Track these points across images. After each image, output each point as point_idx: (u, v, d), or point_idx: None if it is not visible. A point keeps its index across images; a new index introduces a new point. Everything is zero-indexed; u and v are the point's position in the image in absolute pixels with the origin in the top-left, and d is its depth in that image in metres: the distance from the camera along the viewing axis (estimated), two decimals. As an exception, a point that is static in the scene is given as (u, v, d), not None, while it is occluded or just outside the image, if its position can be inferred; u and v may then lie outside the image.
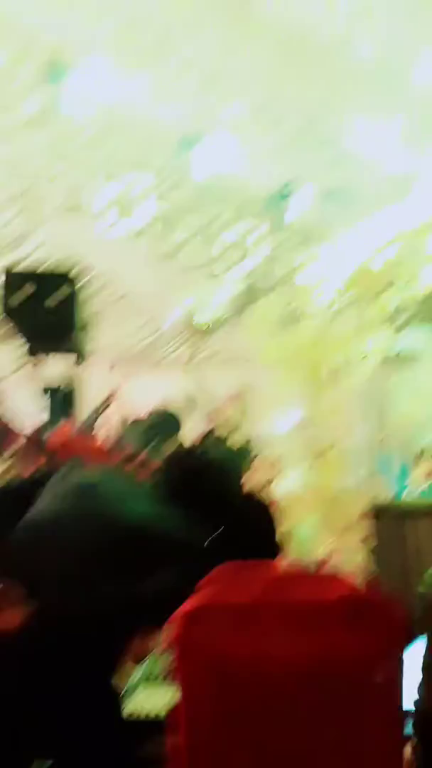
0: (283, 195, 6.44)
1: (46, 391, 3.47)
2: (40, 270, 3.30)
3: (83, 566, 2.25)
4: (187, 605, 2.04)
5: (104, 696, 2.28)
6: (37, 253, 6.50)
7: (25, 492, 2.53)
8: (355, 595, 1.86)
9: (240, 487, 2.76)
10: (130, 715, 2.66)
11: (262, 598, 1.96)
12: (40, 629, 2.17)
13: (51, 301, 3.25)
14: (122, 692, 2.43)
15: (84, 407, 5.78)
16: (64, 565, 2.26)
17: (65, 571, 2.24)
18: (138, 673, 3.08)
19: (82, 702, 2.20)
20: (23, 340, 3.37)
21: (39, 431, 3.51)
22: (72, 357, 3.47)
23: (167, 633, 2.07)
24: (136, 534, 2.32)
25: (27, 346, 3.42)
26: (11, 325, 3.30)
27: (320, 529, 5.10)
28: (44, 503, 2.46)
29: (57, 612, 2.16)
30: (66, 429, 4.50)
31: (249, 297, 7.07)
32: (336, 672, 1.84)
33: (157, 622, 2.30)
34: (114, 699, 2.35)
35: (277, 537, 2.62)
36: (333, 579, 1.94)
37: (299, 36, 5.38)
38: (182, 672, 1.99)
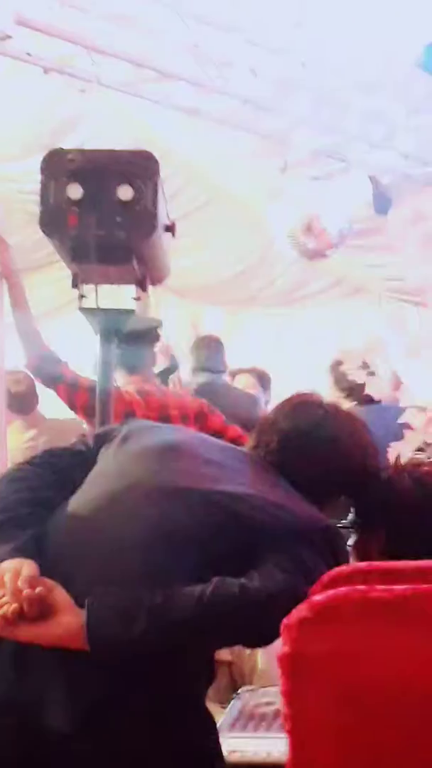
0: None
1: (108, 332, 3.44)
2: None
3: (152, 557, 2.24)
4: (300, 609, 2.02)
5: (188, 730, 2.28)
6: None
7: (73, 462, 2.53)
8: None
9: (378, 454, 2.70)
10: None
11: (411, 594, 1.92)
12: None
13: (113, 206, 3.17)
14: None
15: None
16: (122, 556, 2.25)
17: (123, 566, 2.23)
18: (231, 709, 3.10)
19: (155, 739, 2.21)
20: (69, 260, 3.32)
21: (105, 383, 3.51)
22: (133, 287, 3.41)
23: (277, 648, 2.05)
24: (232, 513, 2.30)
25: (74, 273, 3.36)
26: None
27: None
28: (99, 474, 2.46)
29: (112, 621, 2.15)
30: (139, 379, 4.54)
31: (395, 197, 6.93)
32: None
33: (257, 637, 2.30)
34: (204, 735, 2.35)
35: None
36: None
37: None
38: (294, 698, 1.97)
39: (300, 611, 1.99)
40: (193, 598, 2.14)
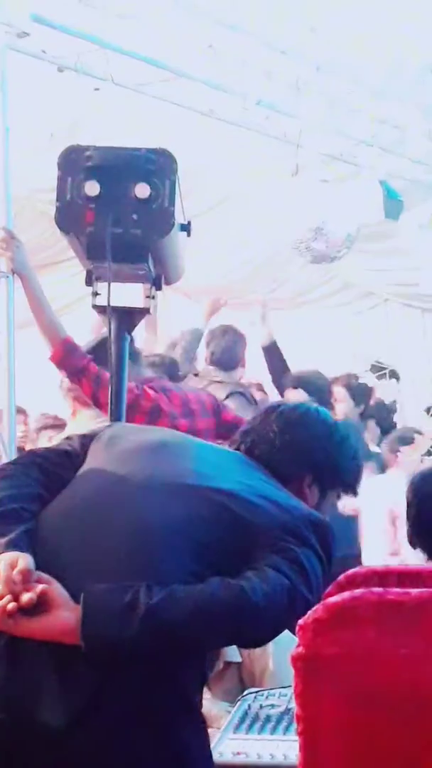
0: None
1: (120, 330, 3.43)
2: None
3: (145, 549, 2.24)
4: (315, 610, 2.01)
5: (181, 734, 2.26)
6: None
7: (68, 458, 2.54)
8: None
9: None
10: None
11: (427, 598, 1.92)
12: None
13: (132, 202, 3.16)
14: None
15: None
16: (116, 549, 2.25)
17: (116, 559, 2.23)
18: (235, 710, 3.09)
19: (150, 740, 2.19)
20: (84, 257, 3.31)
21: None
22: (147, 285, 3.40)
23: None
24: (227, 510, 2.30)
25: (88, 270, 3.34)
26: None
27: None
28: (89, 471, 2.46)
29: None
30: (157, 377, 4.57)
31: (405, 201, 6.92)
32: None
33: (252, 638, 2.31)
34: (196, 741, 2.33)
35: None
36: None
37: None
38: (307, 699, 1.96)
39: (315, 612, 1.98)
40: (190, 599, 2.13)
